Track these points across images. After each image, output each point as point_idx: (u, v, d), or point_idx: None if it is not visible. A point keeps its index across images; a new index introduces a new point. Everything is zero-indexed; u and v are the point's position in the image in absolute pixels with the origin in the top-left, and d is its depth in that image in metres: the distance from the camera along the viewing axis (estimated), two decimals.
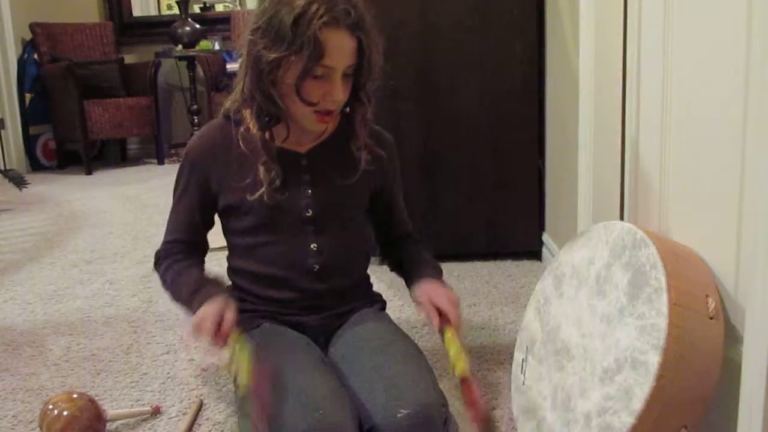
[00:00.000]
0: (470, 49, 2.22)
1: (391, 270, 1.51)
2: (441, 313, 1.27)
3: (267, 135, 1.27)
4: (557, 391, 1.13)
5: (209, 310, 1.16)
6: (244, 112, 1.30)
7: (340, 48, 1.18)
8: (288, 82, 1.20)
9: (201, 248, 1.40)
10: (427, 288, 1.33)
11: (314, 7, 1.15)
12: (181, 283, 1.30)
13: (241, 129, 1.29)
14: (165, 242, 1.38)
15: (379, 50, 1.24)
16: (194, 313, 1.18)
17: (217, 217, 1.39)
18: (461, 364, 1.16)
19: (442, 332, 1.25)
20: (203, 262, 1.40)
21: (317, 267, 1.32)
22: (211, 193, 1.33)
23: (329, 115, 1.26)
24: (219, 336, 1.13)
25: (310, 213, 1.32)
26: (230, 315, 1.16)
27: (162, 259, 1.37)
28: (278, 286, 1.33)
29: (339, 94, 1.22)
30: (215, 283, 1.29)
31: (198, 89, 5.01)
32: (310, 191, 1.32)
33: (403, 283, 1.44)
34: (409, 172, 2.28)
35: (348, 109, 1.33)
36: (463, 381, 1.14)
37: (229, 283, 1.38)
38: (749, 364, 0.89)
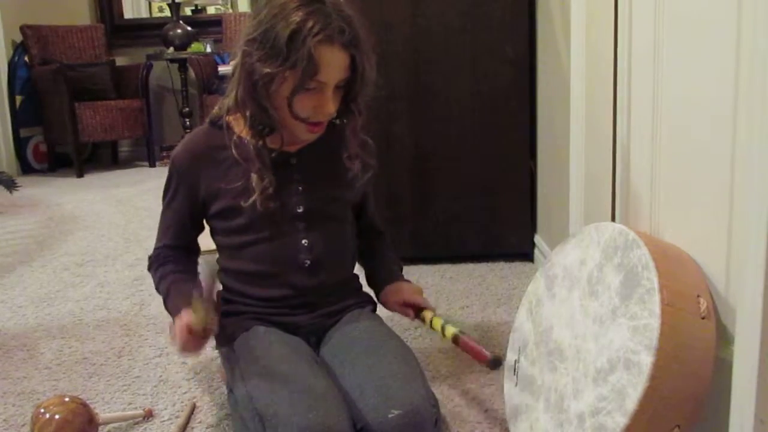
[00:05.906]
0: (461, 51, 2.22)
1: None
2: (412, 306, 1.40)
3: (260, 143, 1.27)
4: (550, 392, 1.13)
5: (177, 323, 1.17)
6: (233, 118, 1.31)
7: (334, 64, 1.21)
8: (281, 95, 1.22)
9: (191, 252, 1.43)
10: (390, 292, 1.44)
11: (309, 24, 1.16)
12: (170, 297, 1.32)
13: (234, 136, 1.29)
14: (156, 247, 1.41)
15: (372, 65, 1.26)
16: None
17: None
18: (449, 329, 1.31)
19: (420, 318, 1.39)
20: (195, 263, 1.42)
21: (308, 262, 1.33)
22: (200, 200, 1.34)
23: (319, 126, 1.29)
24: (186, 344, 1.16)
25: (301, 209, 1.33)
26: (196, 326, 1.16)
27: (154, 264, 1.40)
28: (270, 283, 1.33)
29: (329, 107, 1.24)
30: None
31: (190, 92, 5.00)
32: (301, 188, 1.33)
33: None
34: (400, 174, 2.29)
35: (337, 120, 1.34)
36: (456, 340, 1.29)
37: (220, 287, 1.38)
38: (740, 364, 0.90)
